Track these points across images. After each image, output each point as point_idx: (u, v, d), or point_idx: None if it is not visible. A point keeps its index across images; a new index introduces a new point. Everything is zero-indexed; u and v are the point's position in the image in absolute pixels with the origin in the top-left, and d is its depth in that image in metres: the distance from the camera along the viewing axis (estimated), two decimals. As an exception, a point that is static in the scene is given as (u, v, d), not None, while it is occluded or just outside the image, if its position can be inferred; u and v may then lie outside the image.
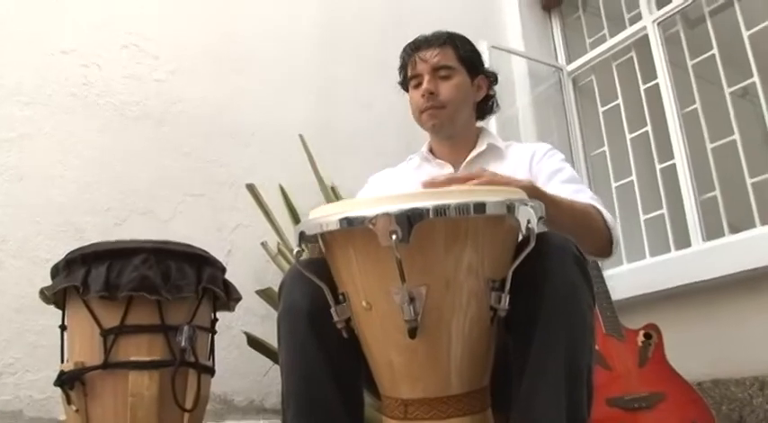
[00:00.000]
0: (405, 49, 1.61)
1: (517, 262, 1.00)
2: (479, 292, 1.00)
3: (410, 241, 0.90)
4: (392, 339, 1.01)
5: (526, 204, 0.99)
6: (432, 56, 1.53)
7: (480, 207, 0.94)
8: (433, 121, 1.54)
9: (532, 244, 0.99)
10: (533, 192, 1.16)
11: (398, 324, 0.96)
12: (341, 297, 1.06)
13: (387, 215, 0.90)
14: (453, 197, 0.95)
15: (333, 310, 1.05)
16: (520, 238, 1.08)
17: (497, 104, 1.68)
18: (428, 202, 0.92)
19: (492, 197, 0.97)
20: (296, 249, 1.02)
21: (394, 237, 0.88)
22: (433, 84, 1.52)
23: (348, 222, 0.94)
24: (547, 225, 1.05)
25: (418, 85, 1.55)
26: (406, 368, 1.02)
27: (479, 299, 1.00)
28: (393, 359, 1.03)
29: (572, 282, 1.06)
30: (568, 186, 1.43)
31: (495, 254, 1.02)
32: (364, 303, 1.01)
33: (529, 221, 0.99)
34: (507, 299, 1.00)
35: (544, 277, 1.05)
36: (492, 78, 1.64)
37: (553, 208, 1.17)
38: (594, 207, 1.37)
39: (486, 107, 1.65)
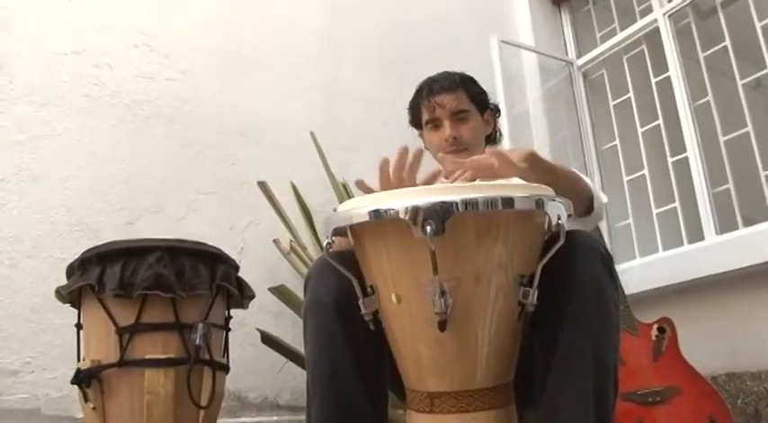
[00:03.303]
0: (419, 94, 1.69)
1: (547, 257, 1.00)
2: (508, 287, 1.00)
3: (444, 234, 0.90)
4: (421, 332, 1.01)
5: (554, 200, 0.99)
6: (449, 101, 1.62)
7: (508, 201, 0.95)
8: None
9: (562, 240, 0.99)
10: (535, 157, 1.19)
11: (428, 317, 0.96)
12: (369, 289, 1.06)
13: (417, 208, 0.91)
14: (481, 191, 0.95)
15: (361, 302, 1.05)
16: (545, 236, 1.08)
17: (501, 134, 1.80)
18: (456, 196, 0.92)
19: (519, 192, 0.98)
20: (326, 241, 1.02)
21: (428, 228, 0.89)
22: (454, 129, 1.61)
23: (377, 214, 0.95)
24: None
25: (436, 128, 1.65)
26: (434, 361, 1.02)
27: (507, 294, 1.00)
28: (421, 352, 1.03)
29: (598, 279, 1.07)
30: None
31: (525, 249, 1.02)
32: (394, 296, 1.01)
33: (559, 217, 0.98)
34: (535, 294, 1.00)
35: (571, 274, 1.05)
36: (496, 111, 1.75)
37: (553, 174, 1.23)
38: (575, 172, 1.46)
39: (491, 138, 1.75)
